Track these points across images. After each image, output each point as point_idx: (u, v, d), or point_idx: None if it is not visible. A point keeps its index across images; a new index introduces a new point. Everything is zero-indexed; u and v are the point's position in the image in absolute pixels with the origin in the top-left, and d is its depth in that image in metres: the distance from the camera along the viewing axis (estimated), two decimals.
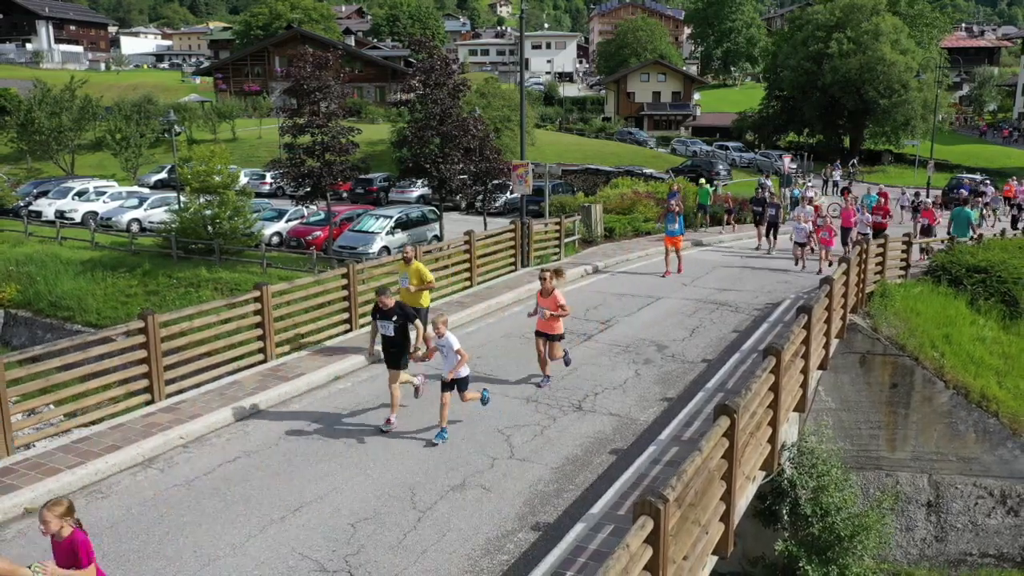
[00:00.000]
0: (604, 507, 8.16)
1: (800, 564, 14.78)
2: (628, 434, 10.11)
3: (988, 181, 35.22)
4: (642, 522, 5.35)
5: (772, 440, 9.33)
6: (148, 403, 10.71)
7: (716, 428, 6.92)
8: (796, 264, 21.13)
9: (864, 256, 16.10)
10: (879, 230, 22.02)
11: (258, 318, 12.34)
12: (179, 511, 8.20)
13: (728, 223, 27.82)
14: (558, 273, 11.76)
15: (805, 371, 10.93)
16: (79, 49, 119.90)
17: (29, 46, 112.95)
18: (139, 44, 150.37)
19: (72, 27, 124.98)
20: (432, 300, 16.54)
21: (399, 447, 9.71)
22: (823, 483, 14.84)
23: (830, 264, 19.92)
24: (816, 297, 11.72)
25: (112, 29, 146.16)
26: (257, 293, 12.31)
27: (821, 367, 13.06)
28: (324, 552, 7.43)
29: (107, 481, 8.85)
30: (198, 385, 11.35)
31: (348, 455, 9.48)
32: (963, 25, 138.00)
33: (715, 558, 7.74)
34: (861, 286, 16.24)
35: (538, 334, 11.67)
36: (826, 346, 12.79)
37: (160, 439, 9.63)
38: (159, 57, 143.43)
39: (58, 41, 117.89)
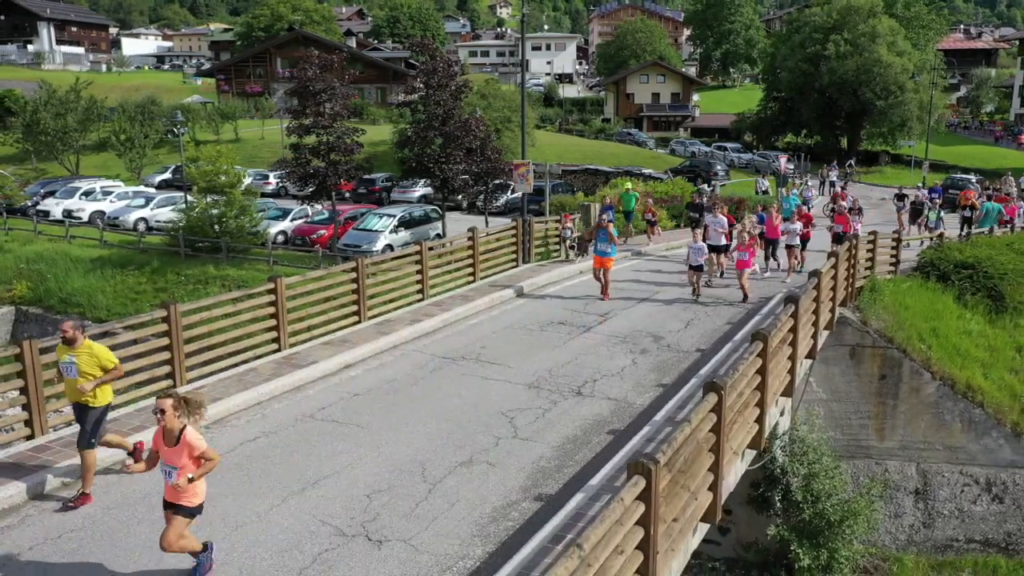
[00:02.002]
0: (602, 480, 8.77)
1: (792, 548, 15.41)
2: (625, 416, 10.71)
3: (928, 188, 35.59)
4: (635, 480, 5.94)
5: (760, 420, 9.92)
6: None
7: (704, 403, 7.52)
8: (693, 293, 17.66)
9: (853, 252, 16.71)
10: (803, 240, 20.05)
11: (272, 309, 12.93)
12: (206, 484, 8.76)
13: (652, 233, 24.48)
14: (190, 403, 7.09)
15: (792, 358, 11.52)
16: (80, 50, 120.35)
17: (31, 47, 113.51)
18: (140, 45, 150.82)
19: (73, 28, 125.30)
20: (436, 295, 17.15)
21: (408, 428, 10.30)
22: (814, 470, 15.47)
23: (745, 298, 17.30)
24: (804, 289, 12.33)
25: (113, 30, 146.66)
26: (271, 285, 12.91)
27: (810, 356, 13.65)
28: (343, 519, 8.02)
29: None
30: (216, 372, 11.94)
31: (360, 436, 10.07)
32: (961, 27, 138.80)
33: (705, 525, 8.34)
34: (851, 280, 16.82)
35: (166, 505, 7.08)
36: (814, 336, 13.38)
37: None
38: (160, 58, 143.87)
39: (59, 42, 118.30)
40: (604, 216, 18.57)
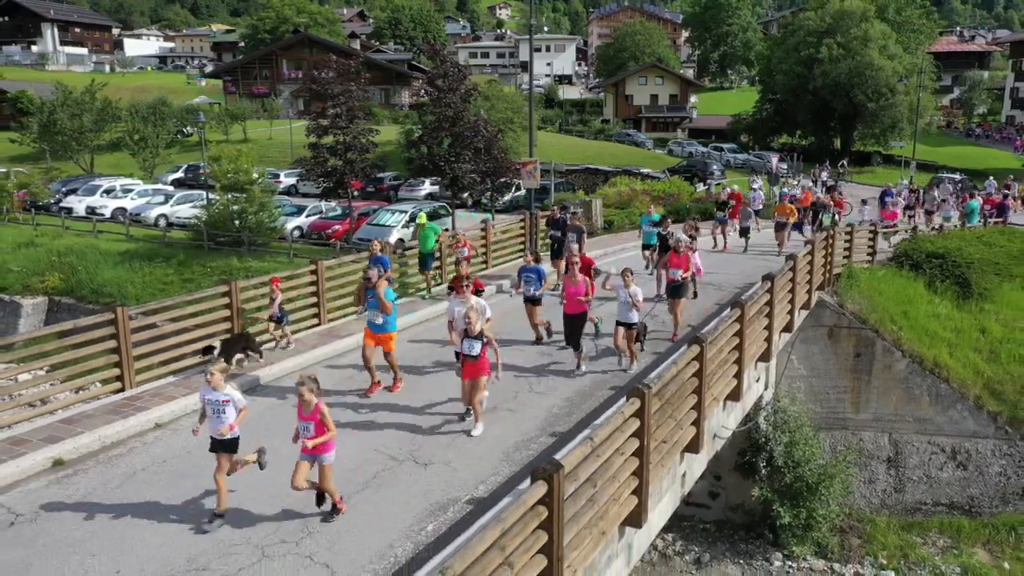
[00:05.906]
0: (605, 419, 10.49)
1: (774, 508, 17.21)
2: (624, 376, 12.46)
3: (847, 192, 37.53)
4: (632, 400, 7.70)
5: (738, 376, 11.66)
6: None
7: (688, 351, 9.28)
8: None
9: (831, 243, 18.47)
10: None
11: (314, 288, 14.69)
12: (286, 420, 10.45)
13: (459, 290, 12.89)
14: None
15: (769, 328, 13.25)
16: (84, 51, 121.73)
17: (34, 48, 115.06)
18: (142, 46, 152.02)
19: (76, 29, 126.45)
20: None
21: (439, 383, 12.06)
22: (795, 439, 17.30)
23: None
24: (780, 270, 14.08)
25: (115, 31, 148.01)
26: (313, 267, 14.67)
27: (787, 330, 15.37)
28: (393, 449, 9.80)
29: None
30: (268, 341, 13.68)
31: (398, 391, 11.81)
32: (958, 29, 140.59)
33: (692, 456, 10.09)
34: (828, 267, 18.57)
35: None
36: (791, 312, 15.10)
37: (250, 376, 11.96)
38: (162, 59, 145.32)
39: (63, 43, 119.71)
40: (372, 272, 11.68)
